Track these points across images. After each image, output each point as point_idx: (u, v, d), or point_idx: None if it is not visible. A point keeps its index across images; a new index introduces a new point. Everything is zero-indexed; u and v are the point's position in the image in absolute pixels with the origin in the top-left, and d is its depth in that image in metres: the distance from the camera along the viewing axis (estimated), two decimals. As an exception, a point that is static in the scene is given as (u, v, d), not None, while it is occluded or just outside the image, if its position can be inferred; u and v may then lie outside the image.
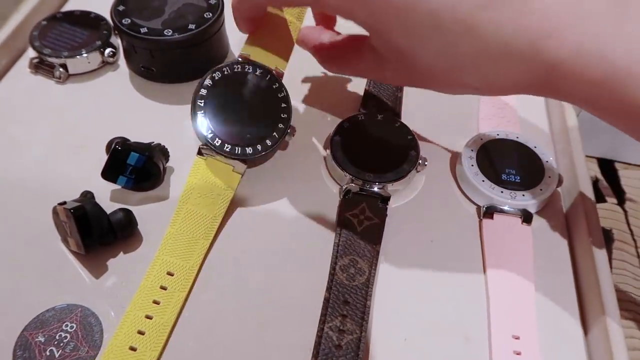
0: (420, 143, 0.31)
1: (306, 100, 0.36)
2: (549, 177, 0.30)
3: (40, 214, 0.28)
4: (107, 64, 0.37)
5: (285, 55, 0.30)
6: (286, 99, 0.29)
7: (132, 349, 0.24)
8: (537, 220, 0.30)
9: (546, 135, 0.35)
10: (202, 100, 0.28)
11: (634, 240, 0.34)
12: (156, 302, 0.25)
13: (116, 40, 0.37)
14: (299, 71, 0.34)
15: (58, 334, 0.25)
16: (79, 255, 0.27)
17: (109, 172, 0.29)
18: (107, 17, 0.36)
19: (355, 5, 0.24)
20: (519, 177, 0.30)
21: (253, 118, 0.29)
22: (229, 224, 0.29)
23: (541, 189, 0.30)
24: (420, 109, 0.35)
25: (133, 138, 0.31)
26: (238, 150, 0.28)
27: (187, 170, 0.31)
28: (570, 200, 0.31)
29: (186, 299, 0.26)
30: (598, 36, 0.21)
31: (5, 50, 0.37)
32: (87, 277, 0.27)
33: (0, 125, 0.33)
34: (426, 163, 0.31)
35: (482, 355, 0.25)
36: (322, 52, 0.31)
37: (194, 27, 0.33)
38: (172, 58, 0.35)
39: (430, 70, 0.25)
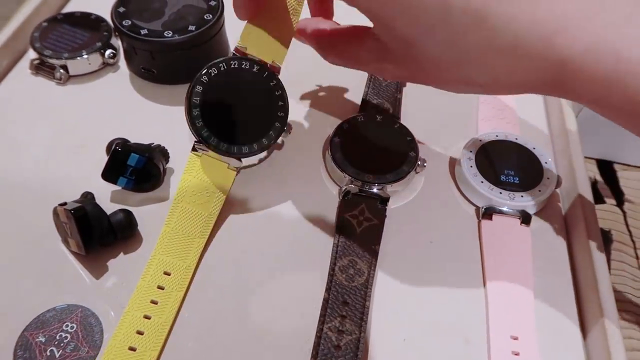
0: (420, 144, 0.32)
1: (305, 102, 0.36)
2: (548, 178, 0.30)
3: (41, 214, 0.28)
4: (107, 66, 0.37)
5: (285, 43, 0.29)
6: (283, 96, 0.28)
7: (132, 349, 0.24)
8: (536, 221, 0.30)
9: (545, 137, 0.35)
10: (197, 98, 0.27)
11: (633, 241, 0.34)
12: (154, 302, 0.26)
13: (116, 42, 0.37)
14: (298, 72, 0.34)
15: (58, 334, 0.25)
16: (79, 256, 0.27)
17: (109, 173, 0.29)
18: (108, 18, 0.37)
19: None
20: (517, 178, 0.30)
21: (249, 116, 0.28)
22: (228, 224, 0.29)
23: (540, 190, 0.30)
24: (419, 110, 0.35)
25: (133, 139, 0.31)
26: (234, 148, 0.28)
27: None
28: (569, 201, 0.31)
29: (184, 299, 0.26)
30: (612, 34, 0.20)
31: (6, 52, 0.37)
32: (87, 277, 0.27)
33: (1, 126, 0.34)
34: (425, 164, 0.31)
35: (480, 355, 0.25)
36: (322, 40, 0.29)
37: (194, 29, 0.34)
38: (172, 59, 0.35)
39: (434, 64, 0.24)
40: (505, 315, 0.26)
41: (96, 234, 0.26)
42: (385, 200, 0.30)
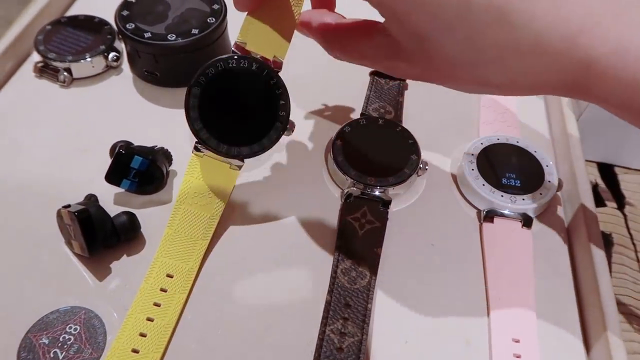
0: (421, 147, 0.32)
1: (307, 105, 0.36)
2: (549, 181, 0.31)
3: (45, 217, 0.29)
4: (111, 68, 0.38)
5: (287, 37, 0.27)
6: (284, 95, 0.27)
7: (135, 351, 0.24)
8: (537, 224, 0.30)
9: (546, 140, 0.35)
10: (196, 99, 0.27)
11: (634, 244, 0.34)
12: (157, 305, 0.26)
13: (120, 45, 0.38)
14: (299, 74, 0.35)
15: (62, 336, 0.25)
16: (82, 258, 0.28)
17: (113, 176, 0.29)
18: (111, 21, 0.37)
19: None
20: (519, 182, 0.30)
21: (249, 116, 0.27)
22: (230, 226, 0.30)
23: (541, 193, 0.30)
24: (421, 113, 0.36)
25: (136, 142, 0.31)
26: (234, 150, 0.27)
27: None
28: (570, 205, 0.31)
29: (187, 301, 0.27)
30: (632, 39, 0.19)
31: (10, 54, 0.37)
32: (90, 279, 0.27)
33: (5, 129, 0.34)
34: (427, 167, 0.31)
35: (482, 357, 0.25)
36: (327, 34, 0.27)
37: (197, 32, 0.34)
38: (175, 62, 0.35)
39: (450, 63, 0.23)
40: (506, 317, 0.26)
41: (100, 236, 0.26)
42: (387, 203, 0.30)
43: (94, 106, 0.35)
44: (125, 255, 0.28)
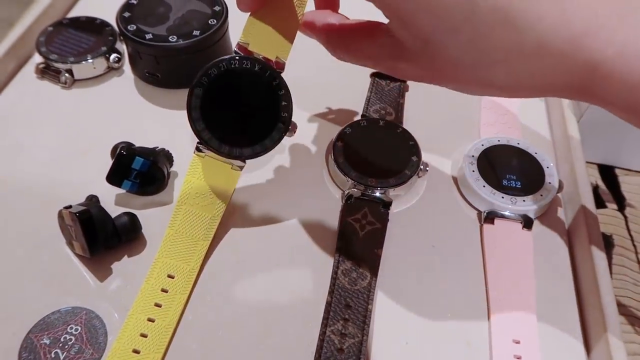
0: (422, 149, 0.32)
1: (308, 106, 0.36)
2: (550, 182, 0.31)
3: (46, 217, 0.29)
4: (112, 70, 0.38)
5: (290, 37, 0.27)
6: (287, 96, 0.27)
7: (136, 351, 0.24)
8: (538, 226, 0.30)
9: (547, 142, 0.35)
10: (198, 100, 0.26)
11: (634, 245, 0.34)
12: (158, 305, 0.26)
13: (121, 46, 0.38)
14: (300, 76, 0.35)
15: (63, 337, 0.25)
16: (83, 259, 0.28)
17: (114, 177, 0.29)
18: (113, 23, 0.37)
19: None
20: (519, 183, 0.30)
21: (251, 117, 0.27)
22: (231, 227, 0.30)
23: (542, 195, 0.30)
24: (422, 115, 0.36)
25: (138, 143, 0.31)
26: (236, 151, 0.27)
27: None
28: (571, 206, 0.31)
29: (188, 302, 0.27)
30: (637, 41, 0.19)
31: (12, 56, 0.37)
32: (91, 280, 0.27)
33: (7, 130, 0.34)
34: (427, 168, 0.31)
35: (482, 359, 0.25)
36: (331, 34, 0.27)
37: (198, 34, 0.34)
38: (176, 64, 0.35)
39: (454, 65, 0.23)
40: (507, 318, 0.26)
41: (101, 236, 0.27)
42: (387, 204, 0.30)
43: (95, 107, 0.35)
44: (126, 255, 0.28)
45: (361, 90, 0.36)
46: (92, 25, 0.38)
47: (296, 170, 0.33)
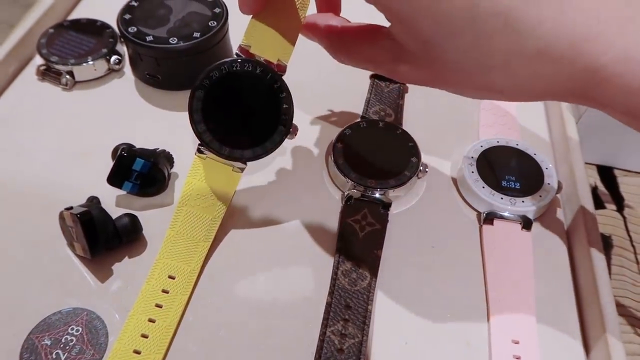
0: (421, 150, 0.32)
1: (308, 108, 0.36)
2: (549, 183, 0.31)
3: (47, 219, 0.29)
4: (113, 72, 0.38)
5: (291, 40, 0.27)
6: (288, 99, 0.27)
7: (136, 352, 0.24)
8: (537, 227, 0.30)
9: (546, 143, 0.36)
10: (200, 102, 0.27)
11: (633, 246, 0.34)
12: (159, 306, 0.26)
13: (122, 48, 0.38)
14: (301, 78, 0.35)
15: (64, 337, 0.25)
16: (84, 260, 0.28)
17: (115, 178, 0.29)
18: (113, 25, 0.37)
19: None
20: (518, 184, 0.31)
21: (253, 119, 0.27)
22: (232, 228, 0.30)
23: (541, 196, 0.30)
24: (421, 116, 0.36)
25: (138, 144, 0.31)
26: (237, 152, 0.28)
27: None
28: (570, 207, 0.31)
29: (189, 302, 0.27)
30: (637, 47, 0.20)
31: (13, 58, 0.37)
32: (92, 281, 0.27)
33: (8, 132, 0.34)
34: (427, 170, 0.31)
35: (482, 359, 0.25)
36: (332, 37, 0.27)
37: (198, 35, 0.34)
38: (177, 66, 0.35)
39: (455, 68, 0.23)
40: (506, 319, 0.26)
41: (102, 238, 0.27)
42: (387, 205, 0.30)
43: (96, 109, 0.36)
44: (127, 257, 0.28)
45: (361, 92, 0.37)
46: (92, 27, 0.38)
47: (296, 171, 0.33)
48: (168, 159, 0.31)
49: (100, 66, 0.37)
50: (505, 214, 0.30)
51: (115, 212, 0.28)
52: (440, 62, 0.23)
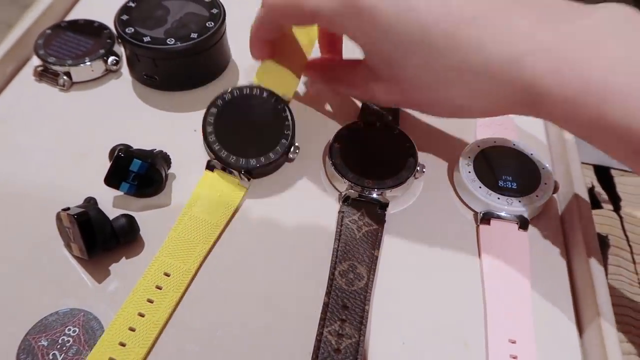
0: (418, 150, 0.32)
1: (306, 108, 0.36)
2: (545, 183, 0.31)
3: (44, 220, 0.29)
4: (110, 72, 0.38)
5: (295, 80, 0.32)
6: (290, 118, 0.31)
7: (122, 344, 0.25)
8: (534, 226, 0.31)
9: (543, 143, 0.36)
10: (212, 118, 0.31)
11: (630, 246, 0.34)
12: (150, 301, 0.26)
13: (119, 49, 0.38)
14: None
15: (61, 338, 0.25)
16: (81, 260, 0.28)
17: (112, 179, 0.29)
18: (111, 26, 0.37)
19: (347, 18, 0.25)
20: (515, 184, 0.31)
21: (258, 134, 0.31)
22: (229, 228, 0.30)
23: (537, 196, 0.30)
24: (418, 116, 0.36)
25: (136, 145, 0.31)
26: (242, 161, 0.30)
27: (189, 177, 0.31)
28: (567, 207, 0.32)
29: (184, 301, 0.27)
30: (576, 57, 0.22)
31: (10, 58, 0.37)
32: (89, 281, 0.27)
33: (5, 132, 0.34)
34: (424, 170, 0.31)
35: (479, 358, 0.25)
36: (326, 74, 0.32)
37: (196, 36, 0.34)
38: (174, 66, 0.35)
39: (415, 85, 0.26)
40: (503, 319, 0.26)
41: (99, 238, 0.27)
42: (384, 206, 0.30)
43: (94, 110, 0.36)
44: (124, 257, 0.28)
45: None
46: (90, 28, 0.38)
47: (294, 171, 0.33)
48: (165, 159, 0.31)
49: (98, 67, 0.37)
50: (502, 213, 0.30)
51: (112, 212, 0.28)
52: (403, 81, 0.26)
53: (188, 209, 0.29)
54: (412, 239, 0.30)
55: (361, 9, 0.24)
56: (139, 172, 0.29)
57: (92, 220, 0.26)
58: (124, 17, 0.35)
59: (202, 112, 0.31)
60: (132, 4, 0.36)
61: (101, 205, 0.29)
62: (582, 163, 0.33)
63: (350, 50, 0.30)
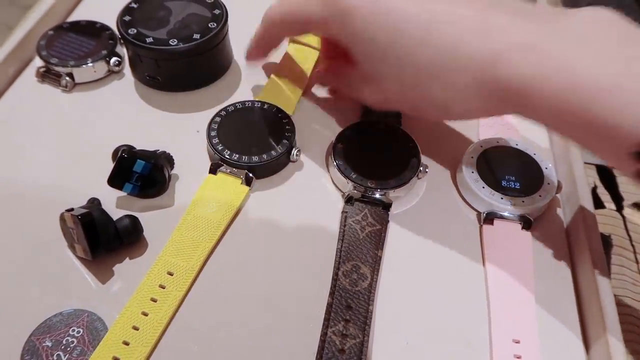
0: (421, 150, 0.32)
1: (308, 109, 0.36)
2: (548, 183, 0.31)
3: (48, 220, 0.29)
4: (112, 73, 0.38)
5: (294, 99, 0.35)
6: (290, 123, 0.33)
7: (126, 343, 0.25)
8: (537, 226, 0.30)
9: (545, 143, 0.36)
10: (216, 125, 0.32)
11: (633, 245, 0.34)
12: (153, 300, 0.26)
13: (122, 50, 0.38)
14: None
15: (65, 339, 0.25)
16: (85, 261, 0.28)
17: (116, 179, 0.29)
18: (113, 27, 0.37)
19: (332, 20, 0.27)
20: (518, 184, 0.31)
21: (259, 136, 0.32)
22: (232, 228, 0.30)
23: (540, 196, 0.30)
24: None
25: (139, 146, 0.31)
26: (245, 158, 0.31)
27: (192, 178, 0.31)
28: (570, 207, 0.32)
29: (188, 300, 0.27)
30: (560, 53, 0.22)
31: (13, 60, 0.37)
32: (93, 282, 0.27)
33: (8, 134, 0.34)
34: (427, 170, 0.31)
35: (483, 358, 0.26)
36: (327, 74, 0.34)
37: (198, 37, 0.34)
38: (177, 67, 0.35)
39: (396, 84, 0.27)
40: (507, 318, 0.26)
41: (103, 239, 0.27)
42: (387, 206, 0.30)
43: (96, 111, 0.36)
44: (127, 258, 0.28)
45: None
46: (92, 29, 0.38)
47: (296, 172, 0.33)
48: (168, 160, 0.31)
49: (100, 68, 0.37)
50: (505, 213, 0.30)
51: (115, 213, 0.28)
52: (385, 79, 0.27)
53: (191, 210, 0.29)
54: (416, 239, 0.30)
55: (342, 10, 0.26)
56: (142, 172, 0.29)
57: (96, 221, 0.26)
58: (127, 18, 0.35)
59: (205, 112, 0.31)
60: (134, 5, 0.36)
61: (105, 206, 0.29)
62: (585, 163, 0.33)
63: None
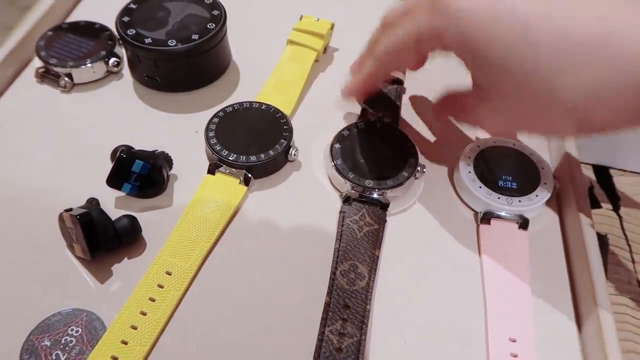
0: (419, 150, 0.32)
1: (306, 109, 0.36)
2: (545, 183, 0.31)
3: (46, 220, 0.29)
4: (111, 74, 0.38)
5: (292, 101, 0.36)
6: (288, 123, 0.33)
7: (124, 342, 0.25)
8: (534, 226, 0.31)
9: (542, 142, 0.36)
10: (215, 124, 0.32)
11: (629, 245, 0.34)
12: (152, 300, 0.26)
13: (120, 50, 0.38)
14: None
15: (64, 338, 0.25)
16: (84, 261, 0.28)
17: (114, 180, 0.29)
18: (112, 27, 0.37)
19: (443, 28, 0.24)
20: (515, 184, 0.31)
21: (258, 136, 0.32)
22: (231, 228, 0.30)
23: (537, 195, 0.30)
24: (418, 116, 0.36)
25: (137, 146, 0.31)
26: (243, 158, 0.31)
27: (190, 178, 0.31)
28: (566, 206, 0.32)
29: (186, 300, 0.27)
30: None
31: (11, 60, 0.37)
32: (92, 282, 0.27)
33: (7, 134, 0.34)
34: (424, 170, 0.31)
35: (479, 357, 0.26)
36: (444, 108, 0.31)
37: (197, 38, 0.34)
38: (175, 68, 0.35)
39: (522, 89, 0.23)
40: (503, 317, 0.27)
41: (102, 239, 0.27)
42: (385, 206, 0.30)
43: (95, 111, 0.36)
44: (126, 258, 0.28)
45: (358, 93, 0.37)
46: (91, 30, 0.38)
47: (294, 172, 0.33)
48: (167, 160, 0.32)
49: (99, 68, 0.37)
50: (502, 213, 0.30)
51: (114, 213, 0.29)
52: (506, 88, 0.24)
53: (190, 210, 0.30)
54: (413, 238, 0.30)
55: (454, 12, 0.24)
56: (141, 173, 0.30)
57: (95, 221, 0.26)
58: (125, 18, 0.35)
59: (204, 113, 0.31)
60: (133, 6, 0.36)
61: (103, 206, 0.29)
62: (582, 163, 0.33)
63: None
